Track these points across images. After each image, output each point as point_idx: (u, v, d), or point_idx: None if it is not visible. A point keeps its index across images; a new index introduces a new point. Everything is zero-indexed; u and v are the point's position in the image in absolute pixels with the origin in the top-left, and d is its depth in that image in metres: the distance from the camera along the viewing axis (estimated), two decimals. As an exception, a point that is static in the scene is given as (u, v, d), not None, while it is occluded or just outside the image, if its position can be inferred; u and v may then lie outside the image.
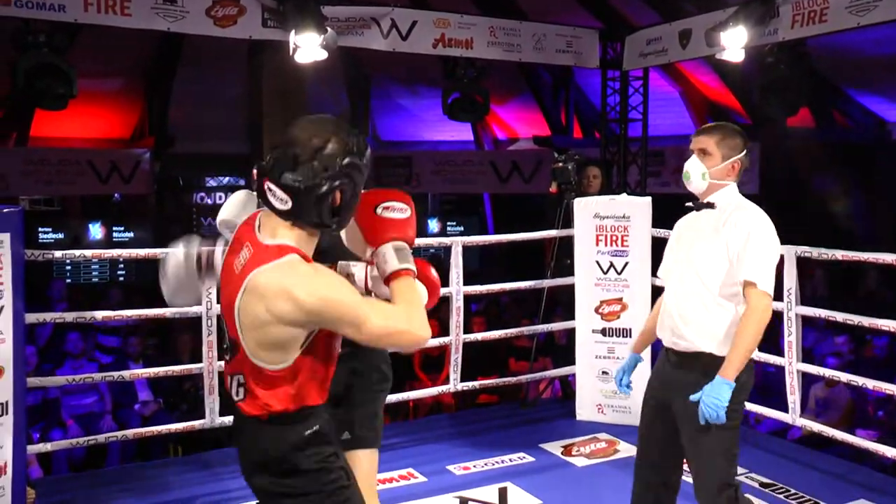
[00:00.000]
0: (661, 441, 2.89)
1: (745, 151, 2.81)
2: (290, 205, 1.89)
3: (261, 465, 2.03)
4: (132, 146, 11.15)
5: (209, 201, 12.02)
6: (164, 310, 4.46)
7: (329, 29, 5.33)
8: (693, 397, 2.68)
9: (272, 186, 1.89)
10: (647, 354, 4.04)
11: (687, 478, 2.88)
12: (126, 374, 4.52)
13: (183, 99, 10.69)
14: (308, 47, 5.29)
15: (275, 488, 2.02)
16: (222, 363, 4.33)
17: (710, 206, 2.83)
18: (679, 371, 2.84)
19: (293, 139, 1.90)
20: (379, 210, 2.08)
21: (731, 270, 2.74)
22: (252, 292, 1.89)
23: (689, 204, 2.93)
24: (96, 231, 11.37)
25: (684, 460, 2.89)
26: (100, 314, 4.32)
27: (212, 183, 12.25)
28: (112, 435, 4.37)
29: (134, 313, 4.55)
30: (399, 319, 1.94)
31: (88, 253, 4.50)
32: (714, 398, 2.63)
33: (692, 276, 2.84)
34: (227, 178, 12.32)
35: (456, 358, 4.89)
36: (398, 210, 2.11)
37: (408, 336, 1.96)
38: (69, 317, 4.45)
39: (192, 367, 4.51)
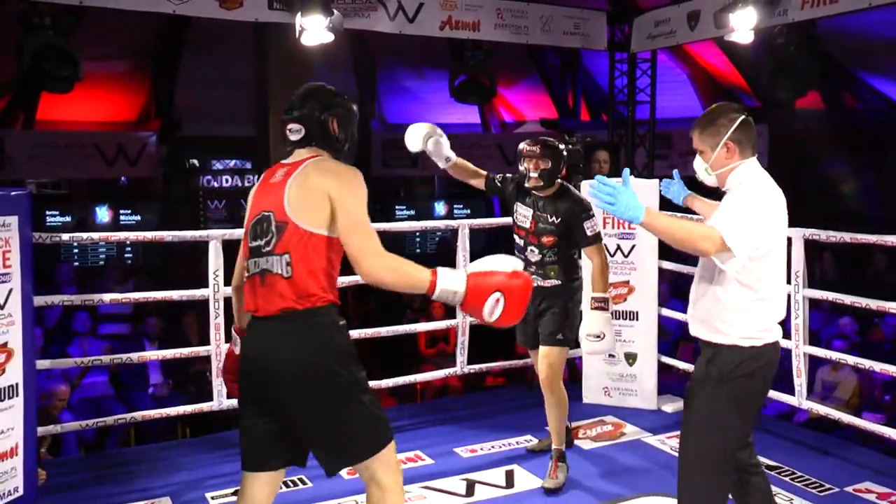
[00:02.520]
0: None
1: (733, 126, 2.70)
2: (302, 133, 2.57)
3: None
4: (138, 129, 11.14)
5: (215, 184, 12.02)
6: (170, 292, 4.49)
7: (335, 11, 5.30)
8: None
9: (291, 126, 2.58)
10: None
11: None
12: (134, 356, 4.54)
13: (189, 82, 10.67)
14: (314, 30, 5.26)
15: None
16: (229, 345, 4.37)
17: (725, 193, 2.79)
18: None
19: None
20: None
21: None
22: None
23: None
24: (103, 214, 11.41)
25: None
26: (107, 297, 4.33)
27: (218, 166, 12.24)
28: (121, 417, 4.39)
29: (141, 296, 4.58)
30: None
31: (96, 236, 4.49)
32: (610, 191, 2.46)
33: (699, 264, 2.84)
34: (233, 161, 12.32)
35: (463, 340, 4.92)
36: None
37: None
38: (77, 299, 4.46)
39: (200, 349, 4.53)
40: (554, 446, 3.98)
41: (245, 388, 2.55)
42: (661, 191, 3.40)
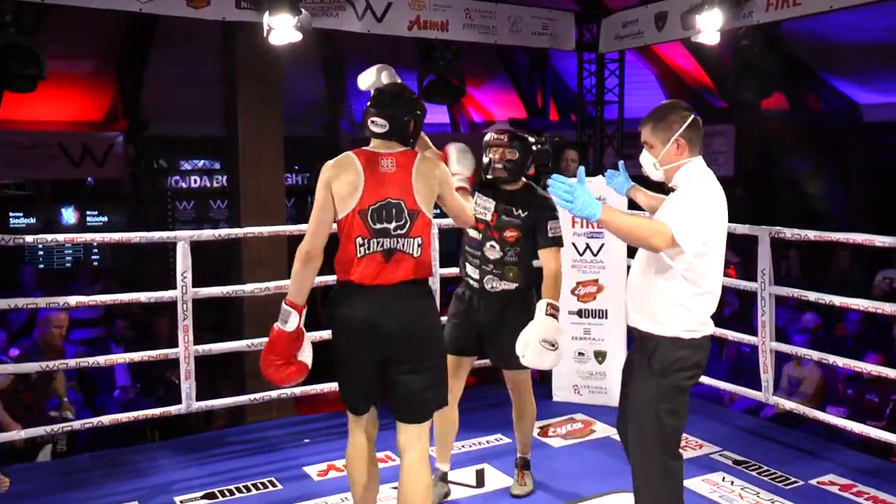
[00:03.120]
0: None
1: (685, 124, 2.76)
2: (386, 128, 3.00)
3: None
4: (105, 129, 10.99)
5: (184, 185, 11.90)
6: (138, 294, 4.45)
7: (303, 10, 5.28)
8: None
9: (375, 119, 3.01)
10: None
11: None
12: (101, 359, 4.48)
13: (157, 81, 10.54)
14: (282, 29, 5.24)
15: None
16: (198, 347, 4.34)
17: (673, 189, 2.85)
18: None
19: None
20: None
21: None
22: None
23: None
24: (69, 215, 11.24)
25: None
26: (73, 299, 4.28)
27: (186, 166, 12.11)
28: (88, 421, 4.34)
29: (108, 298, 4.53)
30: None
31: (61, 237, 4.44)
32: (567, 188, 2.50)
33: (637, 257, 2.92)
34: (202, 162, 12.19)
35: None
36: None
37: None
38: (42, 302, 4.40)
39: (169, 351, 4.49)
40: (520, 455, 3.94)
41: (353, 345, 2.96)
42: (605, 181, 3.45)
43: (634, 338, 2.94)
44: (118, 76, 10.76)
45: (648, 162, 2.85)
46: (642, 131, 2.84)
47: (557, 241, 3.58)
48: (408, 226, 2.95)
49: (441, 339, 3.15)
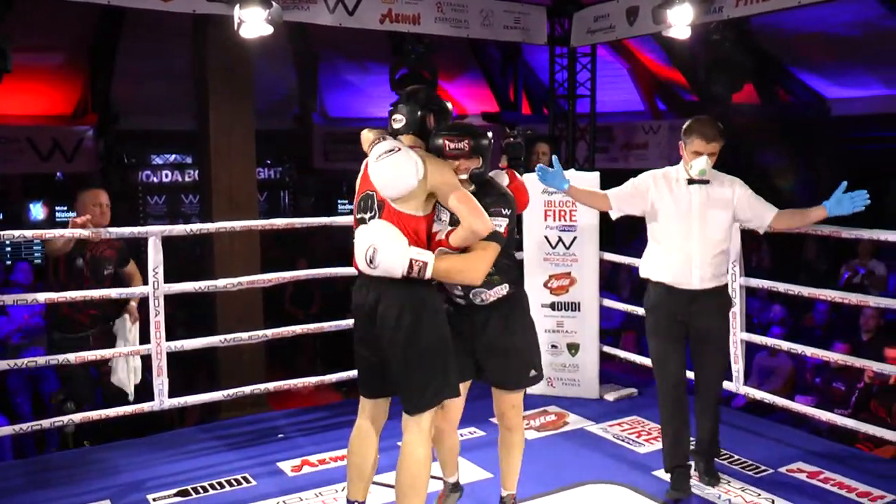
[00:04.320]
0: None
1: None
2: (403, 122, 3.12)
3: None
4: (74, 123, 10.85)
5: (155, 179, 11.79)
6: (109, 290, 4.40)
7: (274, 3, 5.24)
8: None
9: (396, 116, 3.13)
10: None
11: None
12: (71, 356, 4.41)
13: (127, 75, 10.41)
14: (253, 22, 5.20)
15: None
16: (171, 344, 4.30)
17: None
18: None
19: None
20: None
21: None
22: None
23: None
24: (38, 211, 11.09)
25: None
26: (41, 296, 4.22)
27: (157, 160, 11.99)
28: (57, 420, 4.28)
29: (78, 294, 4.46)
30: None
31: (28, 233, 4.35)
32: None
33: None
34: (173, 156, 12.08)
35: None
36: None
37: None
38: (9, 299, 4.34)
39: (141, 348, 4.46)
40: (506, 492, 3.50)
41: (355, 328, 3.12)
42: (538, 177, 3.83)
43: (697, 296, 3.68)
44: (88, 70, 10.62)
45: (709, 166, 3.68)
46: (714, 144, 3.69)
47: (496, 237, 3.01)
48: (376, 217, 2.99)
49: (434, 330, 2.97)
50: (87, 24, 9.71)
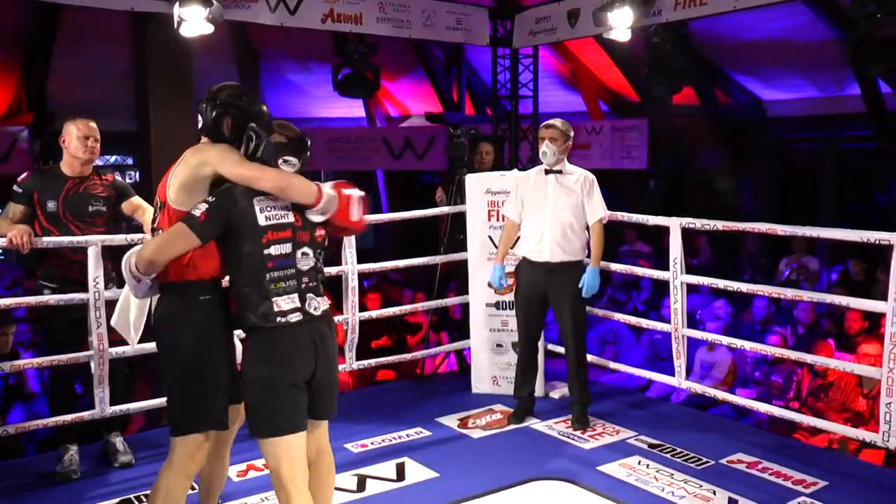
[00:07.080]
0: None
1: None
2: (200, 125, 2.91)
3: None
4: (8, 123, 10.55)
5: (94, 181, 11.50)
6: (46, 297, 4.26)
7: (214, 2, 5.18)
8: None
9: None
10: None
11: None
12: (6, 365, 4.28)
13: (63, 73, 10.17)
14: (193, 20, 5.13)
15: None
16: (114, 350, 4.19)
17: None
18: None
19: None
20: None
21: None
22: None
23: None
24: (-30, 214, 10.72)
25: None
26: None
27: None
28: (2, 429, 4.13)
29: (13, 301, 4.33)
30: None
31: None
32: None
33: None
34: (113, 157, 11.83)
35: (353, 338, 4.85)
36: None
37: None
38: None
39: (81, 355, 4.34)
40: None
41: None
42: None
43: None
44: (22, 68, 10.34)
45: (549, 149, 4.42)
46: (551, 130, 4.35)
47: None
48: (157, 221, 2.92)
49: (175, 355, 2.84)
50: (20, 22, 9.46)
